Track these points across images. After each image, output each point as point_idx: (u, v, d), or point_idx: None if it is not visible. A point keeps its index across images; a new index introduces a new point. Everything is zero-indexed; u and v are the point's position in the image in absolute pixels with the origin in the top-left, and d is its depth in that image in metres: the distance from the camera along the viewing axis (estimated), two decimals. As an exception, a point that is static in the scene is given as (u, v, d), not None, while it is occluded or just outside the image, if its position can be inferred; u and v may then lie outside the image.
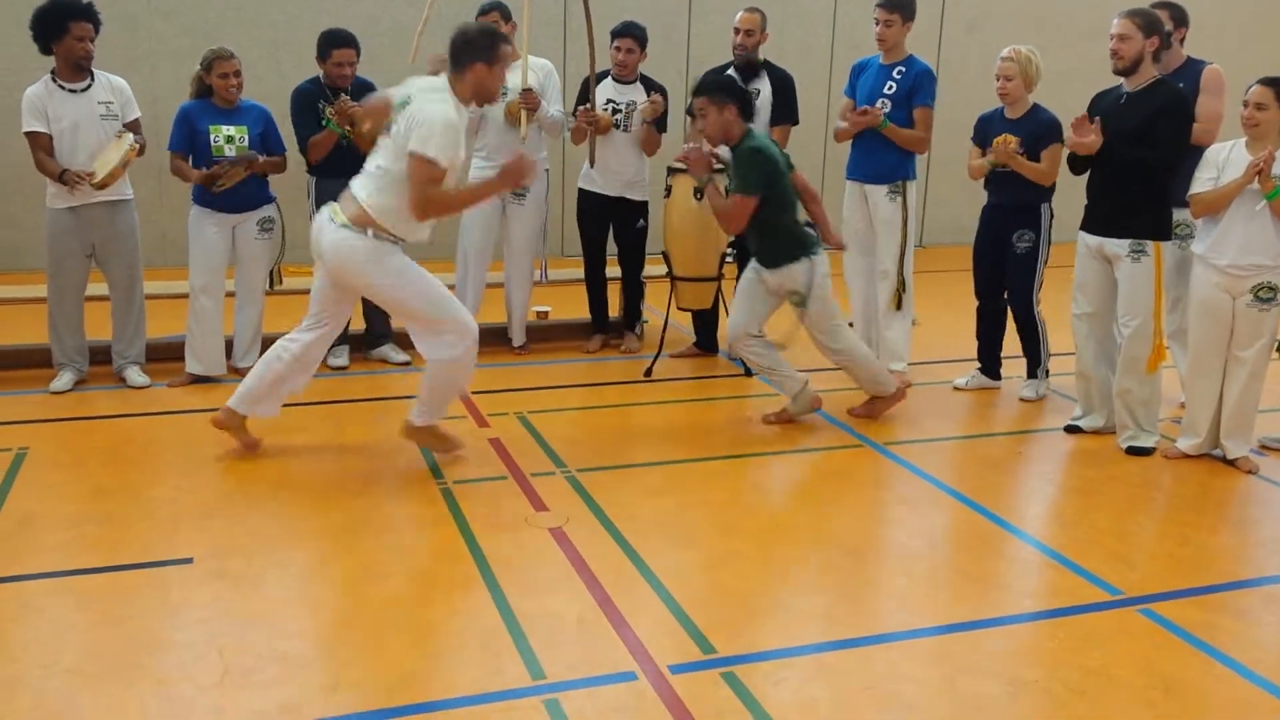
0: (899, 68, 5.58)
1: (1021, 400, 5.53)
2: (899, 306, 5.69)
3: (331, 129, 5.36)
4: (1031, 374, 5.61)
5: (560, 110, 5.85)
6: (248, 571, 3.54)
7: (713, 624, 3.27)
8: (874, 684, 3.00)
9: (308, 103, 5.46)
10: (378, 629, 3.23)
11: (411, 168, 3.92)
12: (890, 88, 5.57)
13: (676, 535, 3.92)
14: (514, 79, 5.69)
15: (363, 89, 5.41)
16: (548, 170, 6.07)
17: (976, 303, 5.67)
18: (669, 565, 3.65)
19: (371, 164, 4.11)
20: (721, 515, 4.11)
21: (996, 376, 5.72)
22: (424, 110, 3.93)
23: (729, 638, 3.20)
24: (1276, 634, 3.37)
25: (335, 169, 5.34)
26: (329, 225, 4.09)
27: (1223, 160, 4.49)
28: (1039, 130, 5.20)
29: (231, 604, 3.35)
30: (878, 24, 5.56)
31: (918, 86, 5.54)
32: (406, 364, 5.80)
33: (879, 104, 5.57)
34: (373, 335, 5.91)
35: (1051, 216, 5.36)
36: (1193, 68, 5.04)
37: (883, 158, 5.61)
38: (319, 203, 5.42)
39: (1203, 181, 4.52)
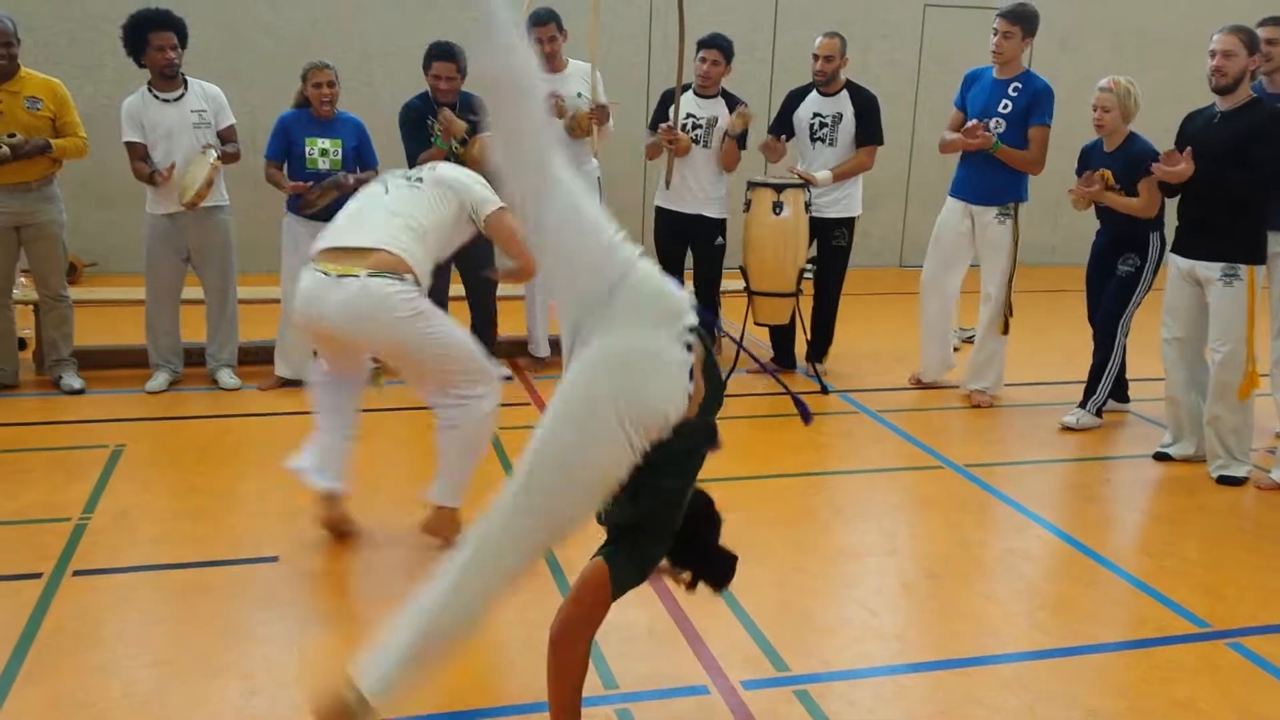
0: (1015, 83, 5.46)
1: (1064, 428, 5.33)
2: (1005, 330, 5.58)
3: (439, 145, 5.34)
4: (1083, 403, 5.39)
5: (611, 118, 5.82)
6: (331, 571, 3.62)
7: (785, 641, 3.26)
8: (949, 709, 2.96)
9: (415, 118, 5.43)
10: (454, 633, 3.28)
11: (500, 223, 3.73)
12: (1005, 106, 5.45)
13: (749, 551, 3.88)
14: (570, 87, 5.72)
15: (469, 103, 5.38)
16: (600, 179, 6.00)
17: (1091, 330, 5.49)
18: (742, 581, 3.59)
19: (393, 220, 3.61)
20: (795, 533, 4.09)
21: (1123, 399, 5.58)
22: (450, 170, 3.84)
23: (802, 655, 3.19)
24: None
25: None
26: (341, 281, 3.47)
27: (1323, 181, 4.36)
28: (1134, 162, 4.99)
29: (313, 602, 3.43)
30: (996, 34, 5.41)
31: (1035, 104, 5.40)
32: (508, 379, 5.78)
33: (993, 122, 5.47)
34: None
35: (1162, 245, 5.14)
36: None
37: (995, 178, 5.47)
38: None
39: (1302, 204, 4.39)
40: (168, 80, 5.24)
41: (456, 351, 3.61)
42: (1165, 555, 4.01)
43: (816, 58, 5.80)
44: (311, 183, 5.27)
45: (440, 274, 5.42)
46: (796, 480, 4.62)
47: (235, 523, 4.02)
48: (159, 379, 5.47)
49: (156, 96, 5.25)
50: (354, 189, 5.41)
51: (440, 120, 5.30)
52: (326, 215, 5.40)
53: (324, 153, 5.38)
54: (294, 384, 5.57)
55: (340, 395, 3.85)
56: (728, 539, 3.96)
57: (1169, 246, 4.98)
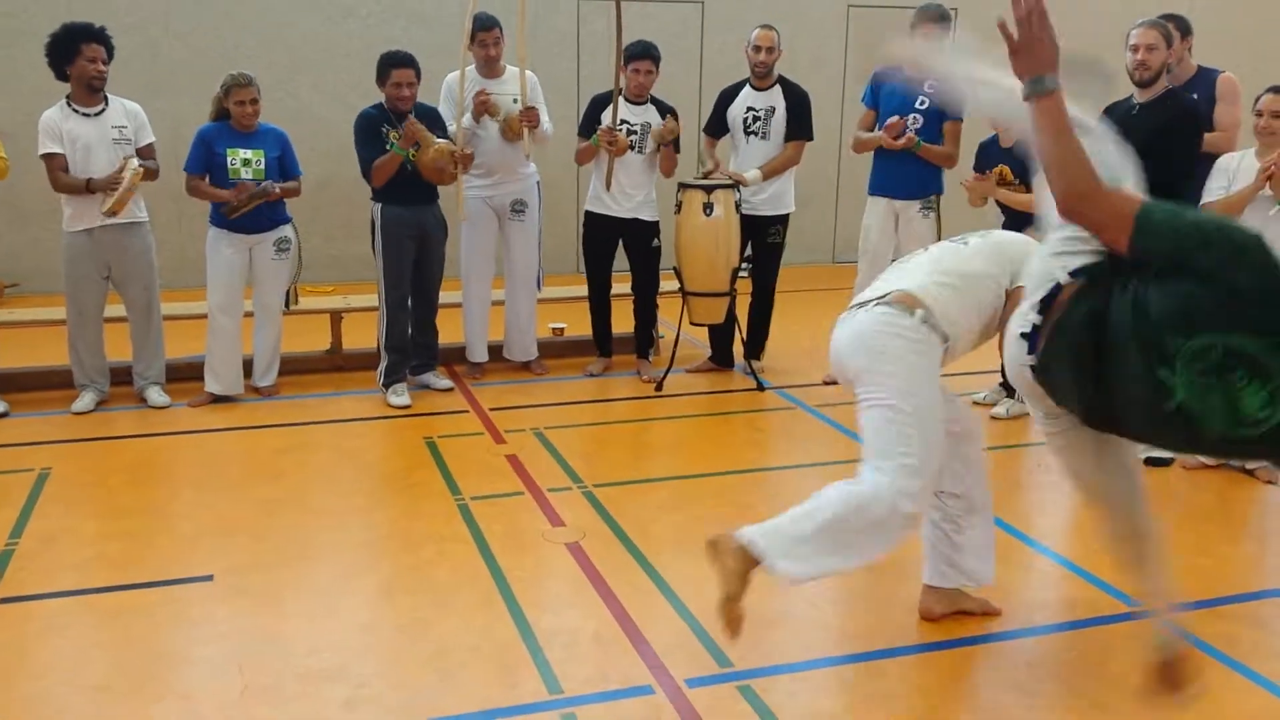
0: (930, 81, 5.56)
1: (994, 419, 5.44)
2: None
3: (396, 152, 5.30)
4: (1010, 393, 5.52)
5: (550, 123, 5.86)
6: (268, 589, 3.57)
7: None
8: (890, 697, 3.00)
9: (371, 127, 5.38)
10: (395, 645, 3.26)
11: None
12: (922, 102, 5.56)
13: (691, 549, 3.91)
14: (506, 91, 5.74)
15: (424, 113, 5.40)
16: (539, 183, 6.04)
17: None
18: (685, 579, 3.66)
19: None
20: (736, 528, 4.10)
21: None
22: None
23: (745, 651, 3.21)
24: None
25: (400, 196, 5.39)
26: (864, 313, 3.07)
27: (1234, 169, 4.50)
28: (1031, 158, 5.14)
29: (251, 621, 3.37)
30: (928, 39, 5.52)
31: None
32: (449, 389, 5.80)
33: (911, 118, 5.57)
34: (415, 362, 5.78)
35: None
36: (1206, 77, 5.05)
37: (915, 172, 5.59)
38: (385, 231, 5.43)
39: (1214, 190, 4.52)
40: (91, 94, 5.14)
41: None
42: (1096, 537, 4.09)
43: (759, 49, 5.84)
44: (235, 185, 5.22)
45: (400, 282, 5.44)
46: (737, 477, 4.66)
47: (168, 543, 3.94)
48: (85, 399, 5.35)
49: (76, 110, 5.14)
50: (280, 198, 5.39)
51: (409, 127, 5.25)
52: (252, 225, 5.37)
53: (246, 163, 5.31)
54: (225, 400, 5.49)
55: None
56: (671, 537, 3.99)
57: None
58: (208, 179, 5.31)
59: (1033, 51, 2.27)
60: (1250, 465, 4.64)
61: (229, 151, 5.29)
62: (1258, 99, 4.44)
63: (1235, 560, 3.91)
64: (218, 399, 5.49)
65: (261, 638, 3.27)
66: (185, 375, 5.63)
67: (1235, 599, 3.59)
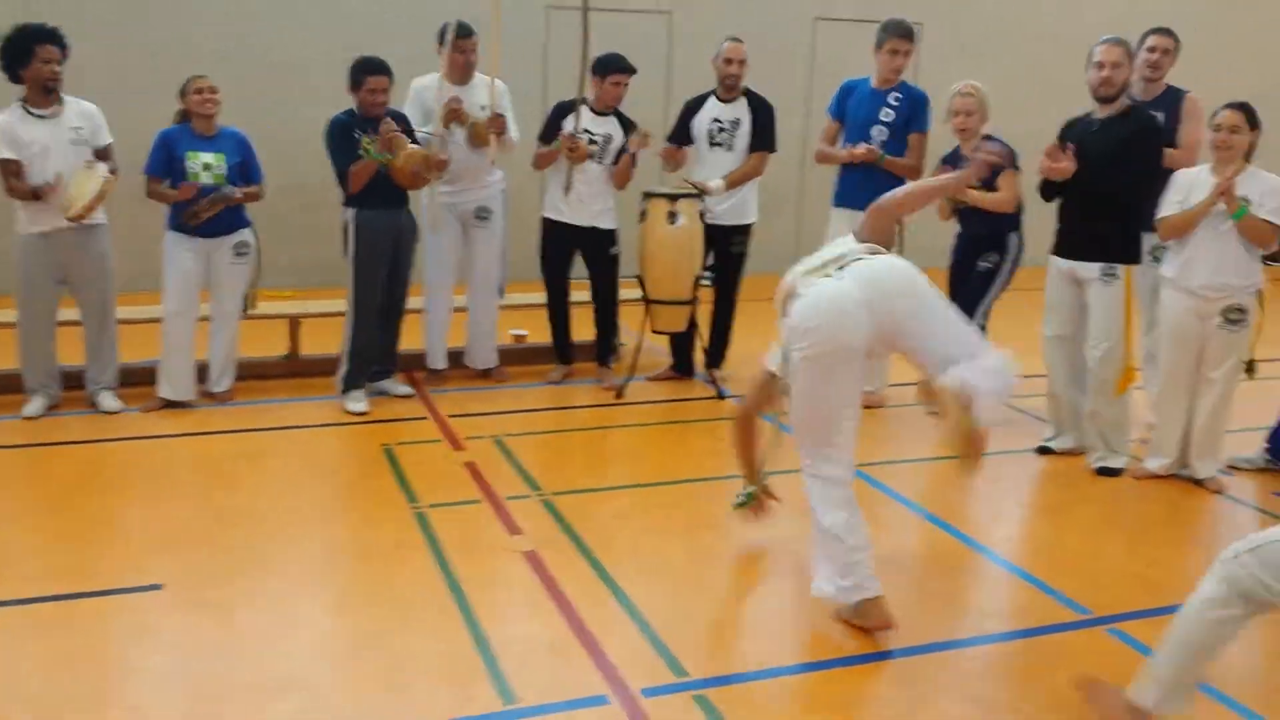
0: (894, 93, 5.60)
1: None
2: None
3: (371, 158, 5.24)
4: None
5: (516, 131, 5.85)
6: (219, 599, 3.52)
7: (685, 647, 3.27)
8: (843, 705, 3.01)
9: (343, 133, 5.31)
10: (349, 656, 3.22)
11: None
12: (888, 114, 5.59)
13: (650, 558, 3.93)
14: (474, 98, 5.73)
15: (395, 118, 5.34)
16: (504, 190, 6.03)
17: None
18: (642, 588, 3.65)
19: None
20: (694, 538, 4.11)
21: None
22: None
23: (701, 660, 3.21)
24: (1238, 652, 3.39)
25: (374, 201, 5.34)
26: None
27: (1189, 184, 4.57)
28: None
29: (202, 631, 3.33)
30: (896, 55, 5.56)
31: (915, 113, 5.58)
32: (409, 396, 5.76)
33: (875, 130, 5.60)
34: (375, 368, 5.71)
35: (1020, 245, 5.34)
36: (1171, 95, 5.12)
37: (878, 186, 5.58)
38: (358, 236, 5.38)
39: (1170, 205, 4.59)
40: (46, 96, 5.06)
41: None
42: (1048, 545, 4.15)
43: (729, 61, 5.87)
44: (198, 193, 5.16)
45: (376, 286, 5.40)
46: (697, 486, 4.66)
47: (118, 551, 3.88)
48: (36, 404, 5.26)
49: (31, 113, 5.06)
50: (241, 203, 5.33)
51: (383, 131, 5.20)
52: (208, 229, 5.30)
53: (207, 166, 5.25)
54: (178, 405, 5.42)
55: None
56: (629, 546, 3.99)
57: (1025, 247, 5.27)
58: (167, 183, 5.24)
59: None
60: (1200, 476, 4.71)
61: (189, 155, 5.22)
62: (1215, 114, 4.52)
63: (1184, 570, 3.95)
64: (171, 404, 5.41)
65: (212, 648, 3.23)
66: (138, 380, 5.54)
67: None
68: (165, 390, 5.41)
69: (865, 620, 3.35)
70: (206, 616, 3.41)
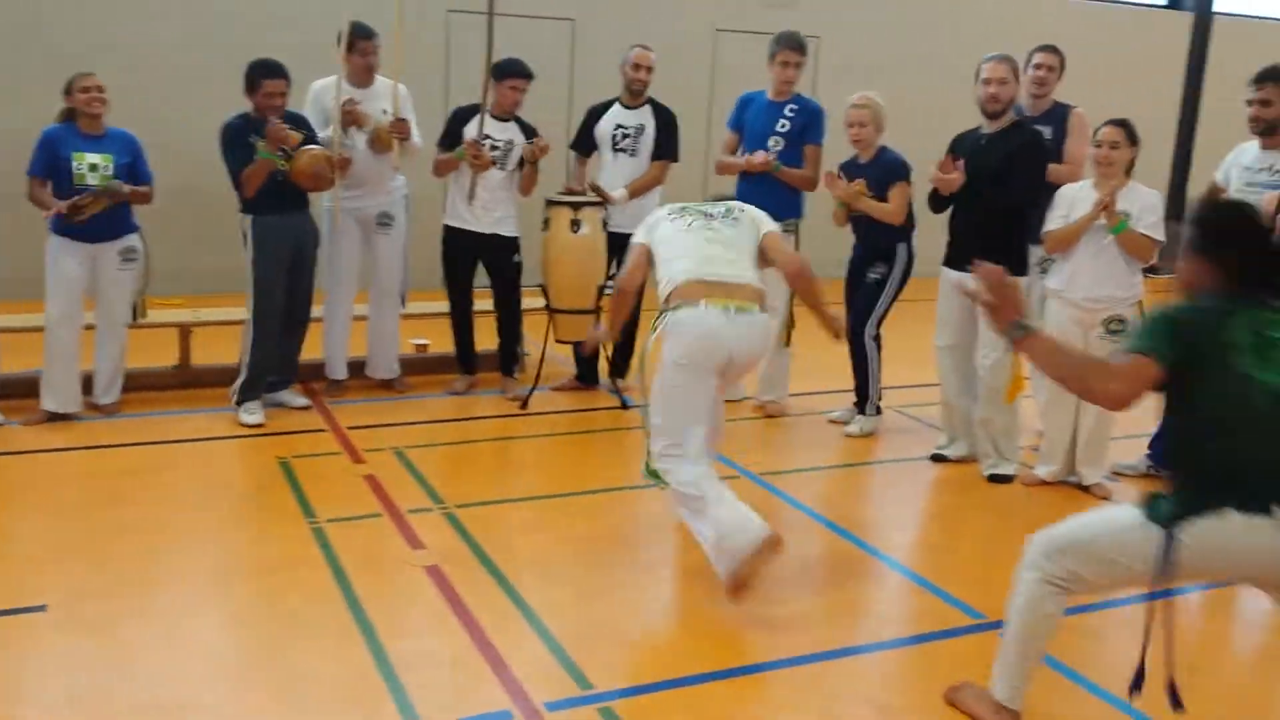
0: (791, 105, 5.71)
1: (847, 436, 5.61)
2: (788, 343, 5.81)
3: (264, 157, 5.10)
4: (861, 409, 5.68)
5: (420, 136, 5.78)
6: (106, 618, 3.39)
7: (589, 659, 3.27)
8: (746, 714, 3.05)
9: (238, 137, 5.17)
10: (244, 676, 3.14)
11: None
12: (784, 125, 5.69)
13: (554, 570, 3.91)
14: (375, 101, 5.65)
15: (294, 121, 5.23)
16: (406, 196, 5.96)
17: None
18: (546, 601, 3.64)
19: (743, 255, 3.94)
20: (599, 549, 4.12)
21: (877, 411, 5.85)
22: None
23: (605, 673, 3.21)
24: (1125, 653, 3.53)
25: (273, 205, 5.21)
26: (754, 317, 3.76)
27: (1072, 198, 4.74)
28: (886, 171, 5.35)
29: (89, 652, 3.20)
30: (788, 66, 5.66)
31: (810, 124, 5.69)
32: (306, 407, 5.64)
33: (771, 141, 5.69)
34: (271, 378, 5.58)
35: (910, 256, 5.48)
36: (1058, 111, 5.30)
37: (776, 196, 5.69)
38: (257, 242, 5.24)
39: (1055, 219, 4.76)
40: None
41: None
42: (943, 551, 4.26)
43: (639, 67, 5.90)
44: (82, 192, 4.97)
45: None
46: (600, 496, 4.66)
47: (-3, 571, 3.72)
48: (-94, 417, 5.01)
49: None
50: (130, 200, 5.15)
51: (272, 131, 5.08)
52: (93, 233, 5.11)
53: (93, 168, 5.06)
54: (62, 418, 5.21)
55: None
56: (533, 559, 3.97)
57: (915, 258, 5.43)
58: (51, 186, 5.03)
59: (1003, 307, 2.62)
60: (1087, 483, 4.88)
61: (75, 155, 5.03)
62: (1097, 130, 4.70)
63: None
64: (55, 417, 5.20)
65: (100, 669, 3.11)
66: (19, 391, 5.31)
67: (1071, 611, 3.74)
68: (49, 402, 5.20)
69: (751, 561, 3.54)
70: (93, 637, 3.28)
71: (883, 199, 5.33)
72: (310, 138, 5.30)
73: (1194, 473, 2.64)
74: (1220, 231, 2.75)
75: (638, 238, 4.12)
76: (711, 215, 4.03)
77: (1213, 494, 2.57)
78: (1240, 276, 2.67)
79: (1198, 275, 2.73)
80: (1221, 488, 2.56)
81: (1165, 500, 2.65)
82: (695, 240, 3.92)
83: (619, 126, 5.98)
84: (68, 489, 4.46)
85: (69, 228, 5.07)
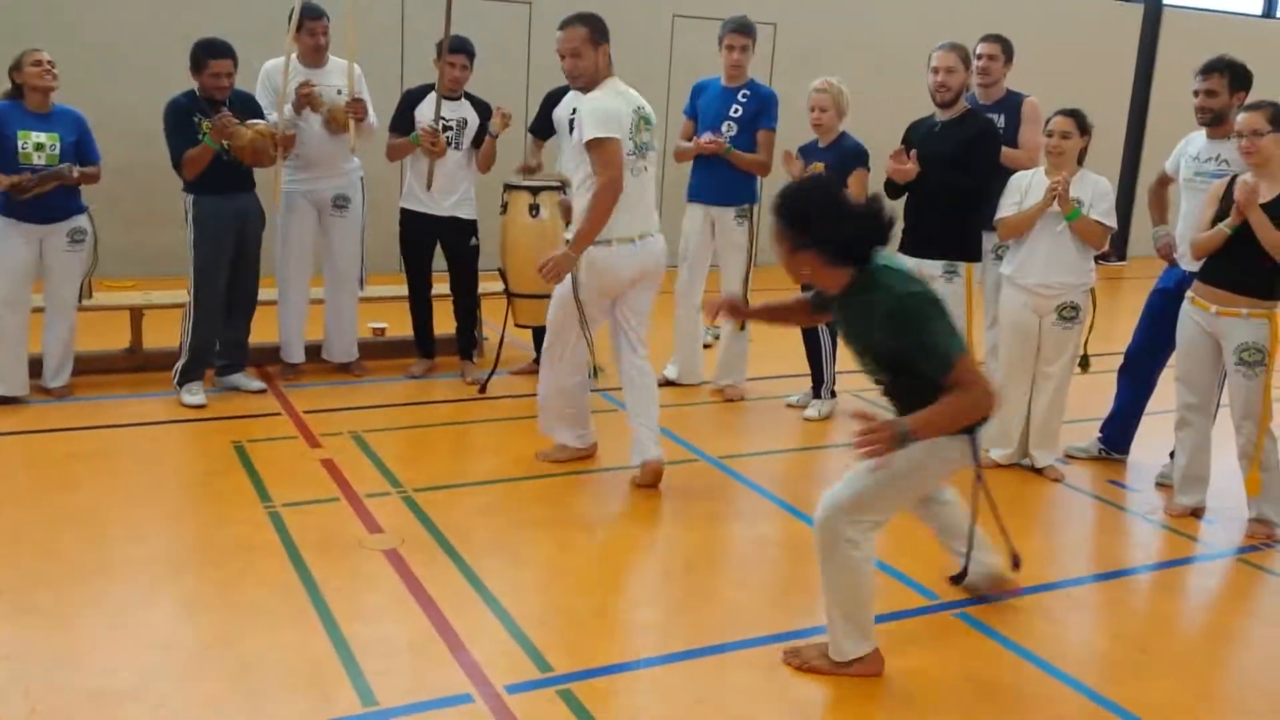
0: (743, 91, 5.73)
1: (806, 420, 5.66)
2: (743, 327, 5.83)
3: (208, 144, 5.05)
4: (816, 393, 5.76)
5: (375, 116, 5.73)
6: (57, 606, 3.34)
7: (549, 642, 3.27)
8: (706, 696, 3.06)
9: (182, 117, 5.09)
10: (198, 662, 3.10)
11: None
12: (736, 110, 5.71)
13: (513, 553, 3.91)
14: (330, 82, 5.58)
15: (241, 100, 5.17)
16: (362, 178, 5.90)
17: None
18: (506, 584, 3.63)
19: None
20: (558, 532, 4.11)
21: (832, 395, 5.89)
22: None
23: (565, 655, 3.21)
24: (1079, 633, 3.61)
25: (215, 185, 5.14)
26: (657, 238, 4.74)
27: (1025, 186, 4.80)
28: (845, 157, 5.37)
29: (39, 641, 3.15)
30: (734, 50, 5.67)
31: (762, 110, 5.71)
32: (261, 391, 5.57)
33: (724, 126, 5.70)
34: (224, 362, 5.56)
35: None
36: (1012, 99, 5.35)
37: (730, 181, 5.73)
38: (199, 223, 5.18)
39: (1007, 206, 4.81)
40: None
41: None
42: (898, 532, 4.26)
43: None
44: (30, 174, 4.86)
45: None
46: (559, 480, 4.65)
47: (-58, 558, 3.64)
48: None
49: None
50: (78, 182, 5.05)
51: (220, 123, 5.00)
52: (41, 214, 5.01)
53: (39, 147, 4.96)
54: (10, 401, 5.11)
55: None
56: (492, 542, 3.95)
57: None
58: (-6, 164, 4.93)
59: (881, 440, 2.88)
60: (1039, 465, 4.96)
61: (20, 134, 4.92)
62: (1048, 120, 4.75)
63: (1027, 554, 4.14)
64: (2, 400, 5.10)
65: (51, 658, 3.06)
66: (-35, 375, 5.20)
67: (1026, 591, 3.82)
68: (-6, 385, 5.10)
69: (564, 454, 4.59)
70: (43, 625, 3.23)
71: (843, 184, 5.36)
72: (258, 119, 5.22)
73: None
74: (813, 215, 3.00)
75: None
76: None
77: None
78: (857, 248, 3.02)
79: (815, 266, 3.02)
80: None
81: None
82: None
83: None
84: (15, 475, 4.38)
85: (15, 209, 4.96)
